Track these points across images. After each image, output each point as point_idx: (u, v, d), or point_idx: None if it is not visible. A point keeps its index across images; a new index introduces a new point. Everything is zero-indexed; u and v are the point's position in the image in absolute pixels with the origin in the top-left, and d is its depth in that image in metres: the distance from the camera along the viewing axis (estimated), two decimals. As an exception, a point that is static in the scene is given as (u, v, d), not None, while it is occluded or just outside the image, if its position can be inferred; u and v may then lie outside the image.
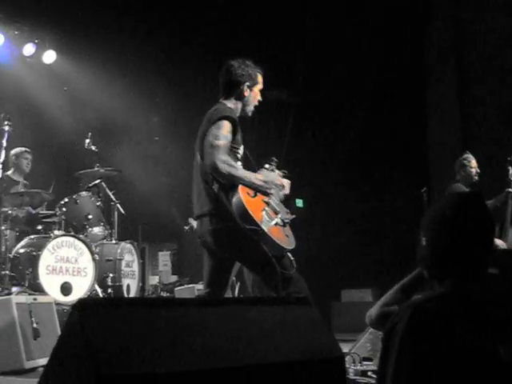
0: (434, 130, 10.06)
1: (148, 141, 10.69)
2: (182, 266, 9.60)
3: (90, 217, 7.29)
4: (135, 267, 7.73)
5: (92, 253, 6.88)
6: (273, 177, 4.27)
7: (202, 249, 4.32)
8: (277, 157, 4.49)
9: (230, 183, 4.03)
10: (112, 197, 7.86)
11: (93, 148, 7.71)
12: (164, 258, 10.10)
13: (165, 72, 9.92)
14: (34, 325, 5.02)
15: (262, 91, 4.47)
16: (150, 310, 2.21)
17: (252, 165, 4.42)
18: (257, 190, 4.10)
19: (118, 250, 7.48)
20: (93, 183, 7.64)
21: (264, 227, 3.89)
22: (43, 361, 4.85)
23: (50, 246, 6.57)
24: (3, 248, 6.32)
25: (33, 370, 4.83)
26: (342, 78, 9.74)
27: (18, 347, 4.80)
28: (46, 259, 6.51)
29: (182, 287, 8.20)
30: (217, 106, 4.30)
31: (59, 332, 5.18)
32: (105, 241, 7.55)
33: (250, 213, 3.89)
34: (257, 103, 4.45)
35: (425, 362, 1.79)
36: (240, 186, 4.00)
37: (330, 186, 10.03)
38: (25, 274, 6.47)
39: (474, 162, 7.17)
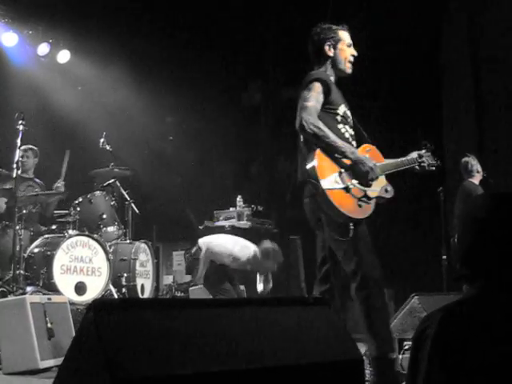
0: (450, 129, 9.97)
1: (162, 140, 10.67)
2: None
3: (105, 216, 7.27)
4: (149, 267, 7.70)
5: (106, 252, 6.85)
6: (366, 159, 3.91)
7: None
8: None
9: (317, 145, 3.85)
10: (126, 196, 7.84)
11: (107, 147, 7.70)
12: (178, 258, 10.06)
13: (179, 72, 9.89)
14: (49, 325, 4.99)
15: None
16: (165, 311, 2.17)
17: (359, 131, 4.24)
18: (341, 154, 3.84)
19: (133, 250, 7.46)
20: (107, 183, 7.64)
21: (323, 185, 3.73)
22: (57, 361, 4.83)
23: (64, 245, 6.55)
24: (18, 247, 6.30)
25: (47, 369, 4.79)
26: (357, 77, 9.66)
27: (32, 347, 4.77)
28: (61, 259, 6.50)
29: (196, 287, 8.15)
30: (309, 73, 4.15)
31: (73, 332, 5.16)
32: (119, 240, 7.54)
33: (315, 168, 3.78)
34: (351, 58, 4.27)
35: (457, 369, 1.71)
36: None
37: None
38: (39, 273, 6.47)
39: (475, 164, 7.32)
